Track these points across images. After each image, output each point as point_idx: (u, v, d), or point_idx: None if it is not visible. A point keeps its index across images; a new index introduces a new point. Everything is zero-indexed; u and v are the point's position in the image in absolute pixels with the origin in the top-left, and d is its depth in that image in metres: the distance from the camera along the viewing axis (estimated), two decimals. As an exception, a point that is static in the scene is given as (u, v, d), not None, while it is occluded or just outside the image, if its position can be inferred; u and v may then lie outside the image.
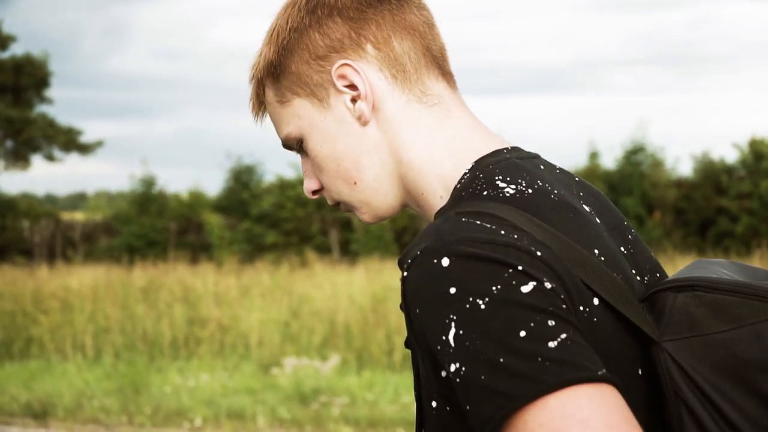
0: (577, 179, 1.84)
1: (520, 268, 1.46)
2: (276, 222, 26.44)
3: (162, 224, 27.03)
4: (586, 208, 1.73)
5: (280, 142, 1.92)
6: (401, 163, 1.80)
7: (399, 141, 1.80)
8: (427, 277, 1.48)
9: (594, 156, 24.24)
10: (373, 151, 1.81)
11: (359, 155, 1.81)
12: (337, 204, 1.91)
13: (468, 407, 1.44)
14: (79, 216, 30.61)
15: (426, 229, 1.56)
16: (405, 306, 1.52)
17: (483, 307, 1.43)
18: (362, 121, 1.80)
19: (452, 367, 1.44)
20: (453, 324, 1.44)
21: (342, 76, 1.79)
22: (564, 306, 1.46)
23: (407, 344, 1.65)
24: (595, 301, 1.53)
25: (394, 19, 1.82)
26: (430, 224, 1.58)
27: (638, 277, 1.72)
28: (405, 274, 1.52)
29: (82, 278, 20.18)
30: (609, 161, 24.28)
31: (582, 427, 1.35)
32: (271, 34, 1.87)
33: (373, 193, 1.84)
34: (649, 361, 1.59)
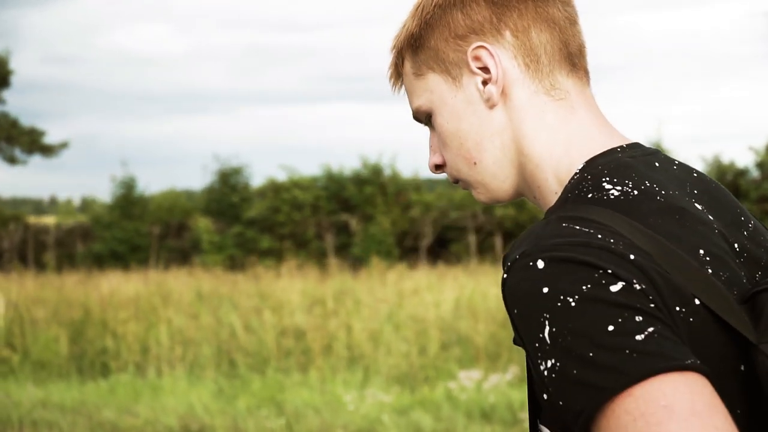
0: (695, 174, 1.79)
1: (609, 270, 1.47)
2: (270, 226, 24.81)
3: (145, 228, 25.12)
4: (698, 207, 1.69)
5: (412, 112, 1.93)
6: (522, 153, 1.79)
7: (522, 130, 1.78)
8: (523, 279, 1.51)
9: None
10: (496, 134, 1.80)
11: (482, 137, 1.81)
12: (457, 181, 1.90)
13: (561, 402, 1.45)
14: (48, 220, 28.23)
15: (526, 232, 1.58)
16: (506, 307, 1.55)
17: (573, 305, 1.45)
18: (489, 104, 1.79)
19: (548, 363, 1.46)
20: (547, 322, 1.46)
21: (476, 58, 1.78)
22: (653, 305, 1.46)
23: (515, 341, 1.62)
24: (696, 301, 1.52)
25: (536, 11, 1.80)
26: (531, 227, 1.60)
27: (750, 274, 1.65)
28: (505, 276, 1.56)
29: (120, 286, 18.34)
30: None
31: (666, 412, 1.35)
32: (417, 8, 1.87)
33: (491, 175, 1.83)
34: (748, 360, 1.54)
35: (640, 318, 1.44)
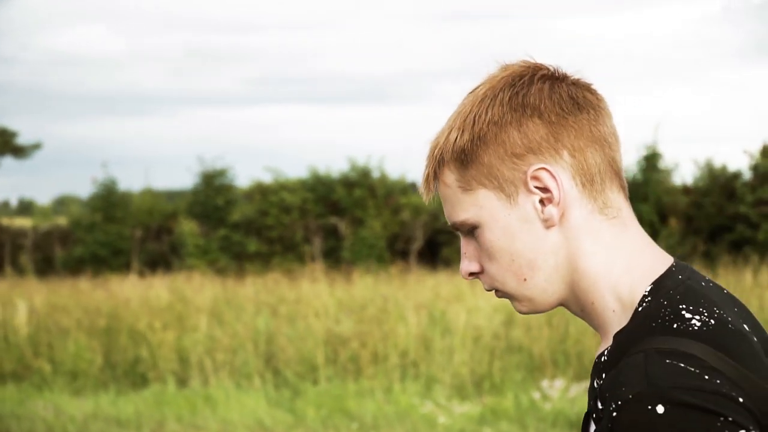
0: (725, 292, 1.85)
1: (730, 418, 1.54)
2: (258, 229, 24.05)
3: (128, 231, 24.21)
4: (747, 328, 1.76)
5: (448, 221, 1.92)
6: (576, 270, 1.82)
7: (580, 249, 1.81)
8: (643, 423, 1.55)
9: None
10: (551, 253, 1.82)
11: (536, 255, 1.82)
12: (494, 290, 1.91)
13: None
14: (24, 222, 27.08)
15: (630, 370, 1.62)
16: None
17: None
18: (548, 224, 1.81)
19: None
20: None
21: (536, 178, 1.80)
22: None
23: None
24: None
25: (590, 130, 1.82)
26: (632, 362, 1.63)
27: None
28: (615, 414, 1.59)
29: (137, 292, 17.55)
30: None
31: None
32: (465, 120, 1.84)
33: (540, 292, 1.86)
34: None
35: None
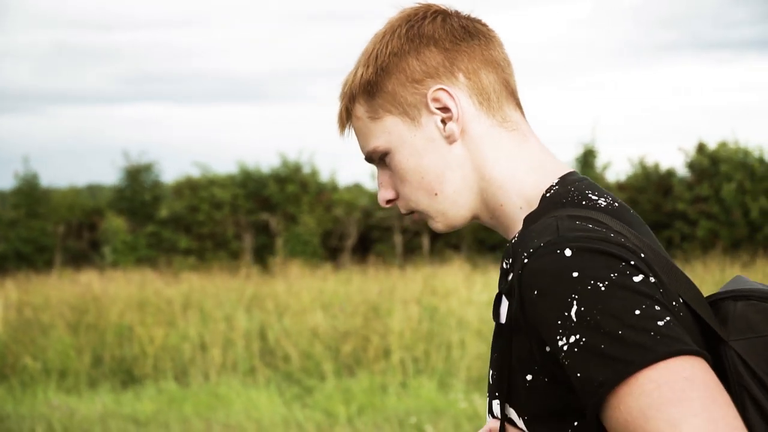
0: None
1: (632, 262, 1.67)
2: (187, 226, 23.24)
3: (51, 227, 23.14)
4: (642, 222, 1.92)
5: (362, 153, 2.05)
6: (483, 178, 1.95)
7: (483, 159, 1.95)
8: (550, 263, 1.67)
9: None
10: (457, 167, 1.95)
11: (443, 170, 1.96)
12: (410, 212, 2.03)
13: (579, 374, 1.63)
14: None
15: (542, 226, 1.77)
16: (519, 288, 1.70)
17: (603, 288, 1.63)
18: (450, 140, 1.95)
19: (572, 338, 1.63)
20: (575, 302, 1.63)
21: (436, 99, 1.94)
22: (663, 296, 1.68)
23: (506, 326, 1.77)
24: (680, 299, 1.75)
25: (482, 54, 1.97)
26: (544, 222, 1.78)
27: None
28: (525, 260, 1.70)
29: (111, 286, 16.73)
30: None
31: (687, 383, 1.57)
32: (369, 56, 1.99)
33: (451, 204, 1.98)
34: (712, 354, 1.75)
35: (659, 307, 1.63)
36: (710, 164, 21.97)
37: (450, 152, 1.96)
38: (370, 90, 1.99)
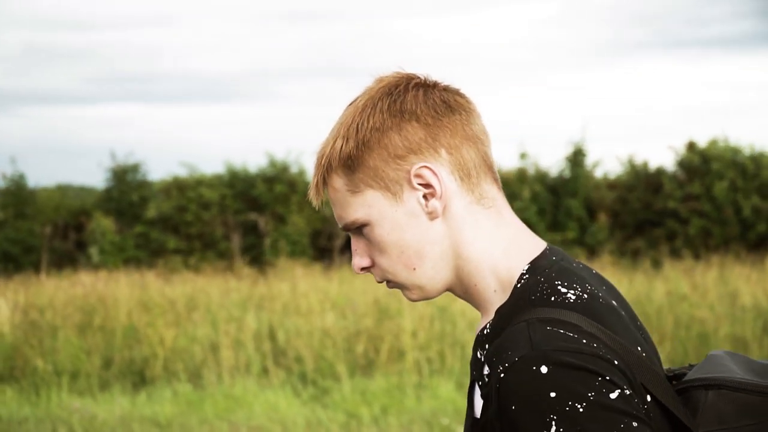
0: (594, 272, 2.05)
1: (607, 377, 1.70)
2: (175, 226, 22.97)
3: (39, 228, 22.81)
4: (615, 304, 1.94)
5: (338, 222, 2.06)
6: (460, 256, 1.97)
7: (462, 237, 1.97)
8: (528, 381, 1.71)
9: (524, 156, 22.81)
10: (437, 243, 1.97)
11: (423, 246, 1.97)
12: (385, 281, 2.06)
13: None
14: None
15: (515, 336, 1.79)
16: (497, 400, 1.75)
17: (581, 410, 1.67)
18: (432, 216, 1.96)
19: None
20: (554, 423, 1.67)
21: (419, 176, 1.95)
22: (639, 408, 1.73)
23: (478, 419, 1.84)
24: (648, 398, 1.78)
25: (464, 129, 1.98)
26: (516, 329, 1.81)
27: (658, 362, 1.96)
28: (503, 375, 1.74)
29: (111, 287, 16.48)
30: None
31: None
32: (348, 128, 1.98)
33: (428, 279, 1.99)
34: None
35: (636, 424, 1.67)
36: (701, 162, 21.96)
37: (431, 228, 1.97)
38: (350, 164, 1.98)
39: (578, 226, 22.14)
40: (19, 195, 23.35)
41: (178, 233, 23.27)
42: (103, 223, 22.48)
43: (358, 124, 1.98)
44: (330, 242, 23.26)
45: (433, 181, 1.95)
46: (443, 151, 1.96)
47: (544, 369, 1.71)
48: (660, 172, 22.79)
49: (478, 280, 1.98)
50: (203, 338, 13.93)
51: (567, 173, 22.48)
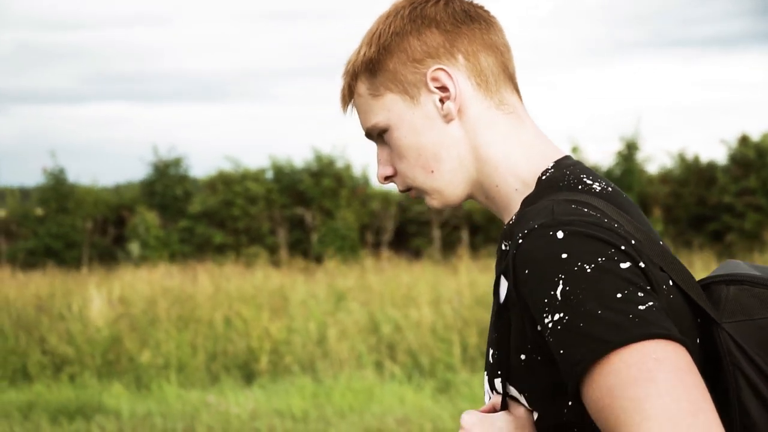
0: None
1: (622, 247, 1.71)
2: (221, 220, 22.31)
3: (81, 223, 22.09)
4: (635, 206, 1.96)
5: (362, 129, 2.08)
6: (479, 158, 1.98)
7: (479, 139, 1.98)
8: (542, 244, 1.72)
9: (575, 150, 22.32)
10: (453, 146, 1.98)
11: (440, 148, 1.98)
12: (407, 189, 2.05)
13: (561, 351, 1.68)
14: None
15: (538, 209, 1.81)
16: (513, 268, 1.76)
17: (589, 271, 1.68)
18: (447, 119, 1.98)
19: (555, 317, 1.68)
20: (561, 281, 1.68)
21: (435, 79, 1.97)
22: (650, 285, 1.71)
23: (502, 304, 1.83)
24: (670, 282, 1.78)
25: (482, 37, 2.00)
26: (541, 204, 1.83)
27: None
28: (520, 241, 1.75)
29: (190, 280, 15.87)
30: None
31: (656, 364, 1.61)
32: (372, 35, 2.02)
33: (446, 182, 2.00)
34: (705, 336, 1.83)
35: (642, 294, 1.67)
36: (756, 156, 21.59)
37: (447, 131, 1.98)
38: (372, 68, 2.00)
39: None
40: (59, 190, 22.59)
41: (224, 228, 22.59)
42: (148, 218, 21.81)
43: (380, 31, 2.01)
44: (378, 237, 22.70)
45: (448, 83, 1.96)
46: (460, 57, 1.98)
47: (560, 234, 1.71)
48: (713, 167, 22.34)
49: (499, 181, 1.98)
50: (311, 331, 13.34)
51: (618, 168, 22.01)
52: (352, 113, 2.08)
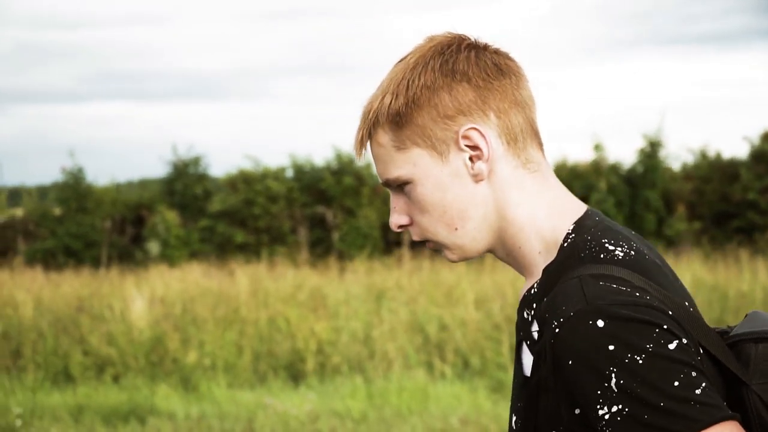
0: (633, 233, 2.00)
1: (665, 327, 1.70)
2: (242, 219, 22.02)
3: (100, 223, 21.80)
4: (659, 262, 1.91)
5: (379, 178, 2.05)
6: (504, 219, 1.96)
7: (506, 200, 1.95)
8: (584, 337, 1.70)
9: (598, 148, 22.07)
10: (481, 205, 1.95)
11: (467, 207, 1.95)
12: (424, 240, 2.03)
13: None
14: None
15: (568, 291, 1.78)
16: (552, 356, 1.74)
17: (641, 361, 1.67)
18: (477, 179, 1.94)
19: (613, 408, 1.68)
20: (614, 375, 1.67)
21: (467, 137, 1.93)
22: (696, 358, 1.71)
23: (532, 382, 1.82)
24: (700, 349, 1.77)
25: (513, 94, 1.96)
26: (569, 285, 1.79)
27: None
28: (557, 330, 1.73)
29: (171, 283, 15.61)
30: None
31: None
32: (398, 84, 1.95)
33: (470, 240, 1.98)
34: (731, 398, 1.80)
35: (695, 374, 1.68)
36: (781, 153, 21.42)
37: (475, 190, 1.95)
38: (398, 121, 1.95)
39: (657, 218, 21.47)
40: (77, 189, 22.29)
41: (245, 227, 22.31)
42: (168, 217, 21.52)
43: (408, 81, 1.95)
44: (400, 235, 22.44)
45: (480, 143, 1.93)
46: (492, 115, 1.94)
47: (600, 323, 1.70)
48: (736, 163, 22.13)
49: (523, 243, 1.96)
50: (357, 330, 13.09)
51: (640, 165, 21.78)
52: (366, 157, 2.05)
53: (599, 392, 1.69)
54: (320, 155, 31.01)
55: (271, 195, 22.32)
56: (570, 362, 1.71)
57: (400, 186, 1.99)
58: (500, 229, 1.97)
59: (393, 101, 1.95)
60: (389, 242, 22.23)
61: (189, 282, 15.47)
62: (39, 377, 12.58)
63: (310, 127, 44.08)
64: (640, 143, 21.97)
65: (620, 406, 1.67)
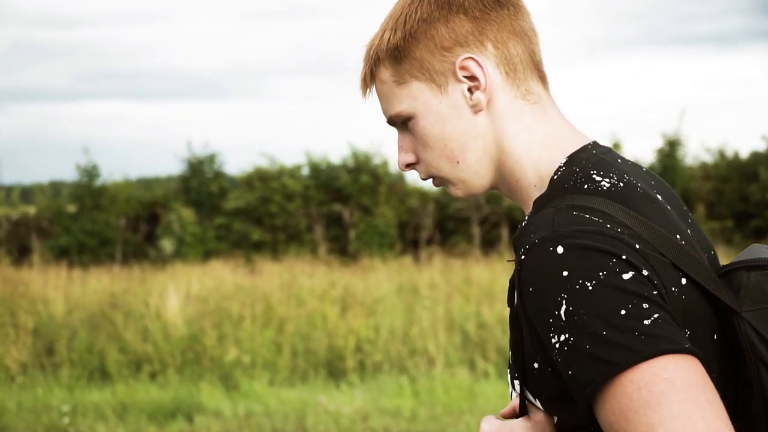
0: (644, 169, 1.98)
1: (623, 257, 1.65)
2: (258, 217, 21.77)
3: (115, 220, 21.53)
4: (659, 197, 1.88)
5: (384, 115, 2.02)
6: (503, 151, 1.93)
7: (504, 131, 1.92)
8: (543, 262, 1.67)
9: (617, 147, 21.89)
10: (480, 136, 1.93)
11: (467, 139, 1.93)
12: (429, 178, 2.01)
13: (570, 372, 1.65)
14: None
15: (539, 218, 1.76)
16: (518, 283, 1.72)
17: (591, 288, 1.63)
18: (476, 110, 1.91)
19: (561, 337, 1.65)
20: (564, 301, 1.64)
21: (464, 68, 1.90)
22: (656, 292, 1.65)
23: (512, 313, 1.79)
24: (683, 280, 1.72)
25: (511, 24, 1.93)
26: (543, 214, 1.77)
27: (704, 255, 1.86)
28: (523, 257, 1.71)
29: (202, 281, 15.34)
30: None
31: (667, 384, 1.56)
32: (396, 20, 1.95)
33: (472, 173, 1.95)
34: (724, 327, 1.77)
35: (647, 305, 1.62)
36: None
37: (474, 121, 1.92)
38: (396, 55, 1.93)
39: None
40: (91, 187, 22.01)
41: (261, 224, 22.05)
42: (184, 214, 21.25)
43: (406, 16, 1.94)
44: (417, 234, 22.23)
45: (478, 73, 1.90)
46: (489, 45, 1.91)
47: (560, 249, 1.67)
48: (755, 162, 21.97)
49: (520, 176, 1.93)
50: (396, 328, 12.85)
51: (658, 165, 21.61)
52: (372, 98, 2.01)
53: (551, 320, 1.66)
54: (336, 153, 30.78)
55: (287, 193, 22.11)
56: (530, 289, 1.69)
57: (404, 123, 1.97)
58: (500, 162, 1.94)
59: (392, 36, 1.94)
60: (406, 240, 22.06)
61: (219, 279, 15.19)
62: (75, 374, 12.30)
63: (310, 125, 43.88)
64: (659, 143, 21.83)
65: (567, 335, 1.63)
